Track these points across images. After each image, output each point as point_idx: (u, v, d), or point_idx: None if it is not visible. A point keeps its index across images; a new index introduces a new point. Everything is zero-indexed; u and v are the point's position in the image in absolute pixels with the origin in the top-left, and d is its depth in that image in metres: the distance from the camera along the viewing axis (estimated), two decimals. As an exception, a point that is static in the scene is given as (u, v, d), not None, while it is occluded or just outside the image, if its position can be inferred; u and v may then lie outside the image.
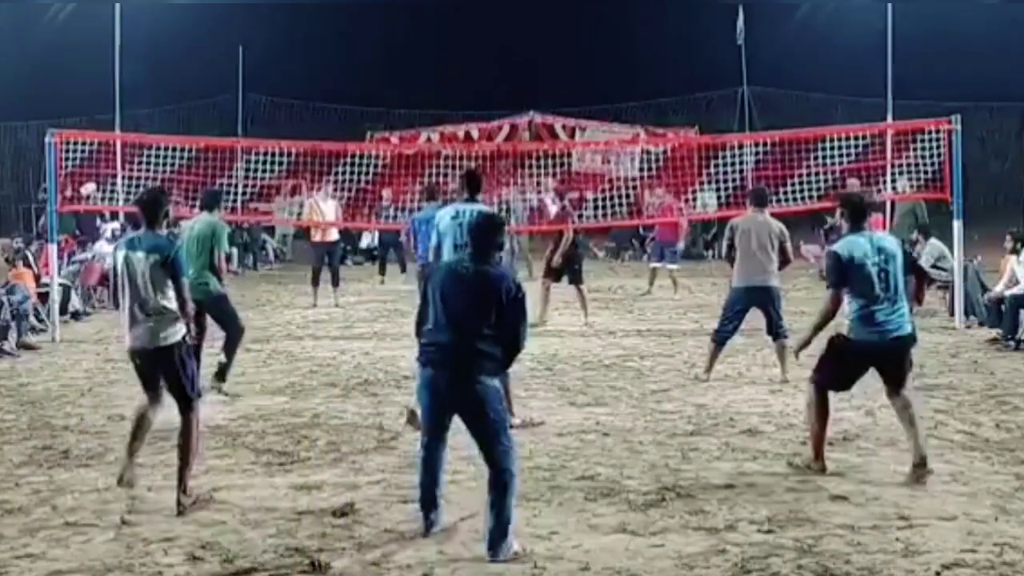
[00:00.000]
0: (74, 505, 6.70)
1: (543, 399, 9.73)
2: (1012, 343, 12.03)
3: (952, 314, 13.90)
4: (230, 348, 10.12)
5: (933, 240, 15.34)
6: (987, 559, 5.59)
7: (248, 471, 7.43)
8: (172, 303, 6.67)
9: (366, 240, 24.62)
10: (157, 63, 27.10)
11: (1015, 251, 12.87)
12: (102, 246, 17.59)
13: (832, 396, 7.26)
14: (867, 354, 7.07)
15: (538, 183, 19.01)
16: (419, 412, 6.45)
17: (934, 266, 15.14)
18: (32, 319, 13.44)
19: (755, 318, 11.01)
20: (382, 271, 20.71)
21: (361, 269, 23.20)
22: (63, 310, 14.45)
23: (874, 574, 5.45)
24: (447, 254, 8.43)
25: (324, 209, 17.06)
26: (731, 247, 10.44)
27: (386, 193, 19.54)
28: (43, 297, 14.15)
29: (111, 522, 6.35)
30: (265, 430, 8.58)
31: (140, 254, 6.66)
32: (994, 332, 12.60)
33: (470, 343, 5.73)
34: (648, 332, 13.81)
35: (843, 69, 27.07)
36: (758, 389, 10.04)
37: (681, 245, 18.70)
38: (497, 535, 5.67)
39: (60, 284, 14.27)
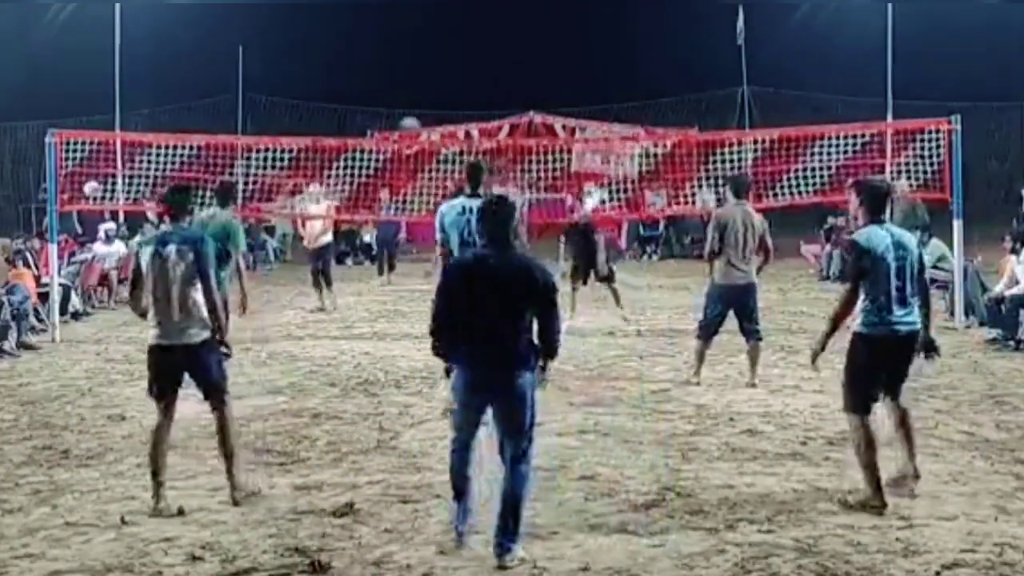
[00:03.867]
0: (74, 505, 6.70)
1: (543, 399, 9.70)
2: (1012, 343, 12.03)
3: (952, 314, 13.90)
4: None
5: (934, 240, 15.34)
6: (987, 559, 5.59)
7: (248, 471, 7.41)
8: (202, 300, 6.59)
9: (366, 237, 24.64)
10: (157, 63, 27.09)
11: (1015, 251, 12.86)
12: (99, 246, 17.61)
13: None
14: (880, 350, 6.65)
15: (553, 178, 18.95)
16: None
17: (934, 266, 15.14)
18: (32, 319, 13.44)
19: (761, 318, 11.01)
20: (381, 271, 20.71)
21: (362, 269, 23.21)
22: (63, 310, 14.45)
23: (874, 574, 5.45)
24: (455, 250, 8.44)
25: (313, 212, 16.87)
26: (721, 242, 9.98)
27: (384, 194, 19.46)
28: (43, 297, 14.15)
29: (111, 522, 6.35)
30: (265, 430, 8.58)
31: (171, 248, 6.59)
32: (994, 332, 12.60)
33: (507, 339, 5.58)
34: (648, 332, 13.81)
35: (843, 69, 27.07)
36: (758, 389, 10.03)
37: (621, 245, 18.32)
38: (507, 542, 5.60)
39: (60, 284, 14.27)
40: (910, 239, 6.83)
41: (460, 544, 5.79)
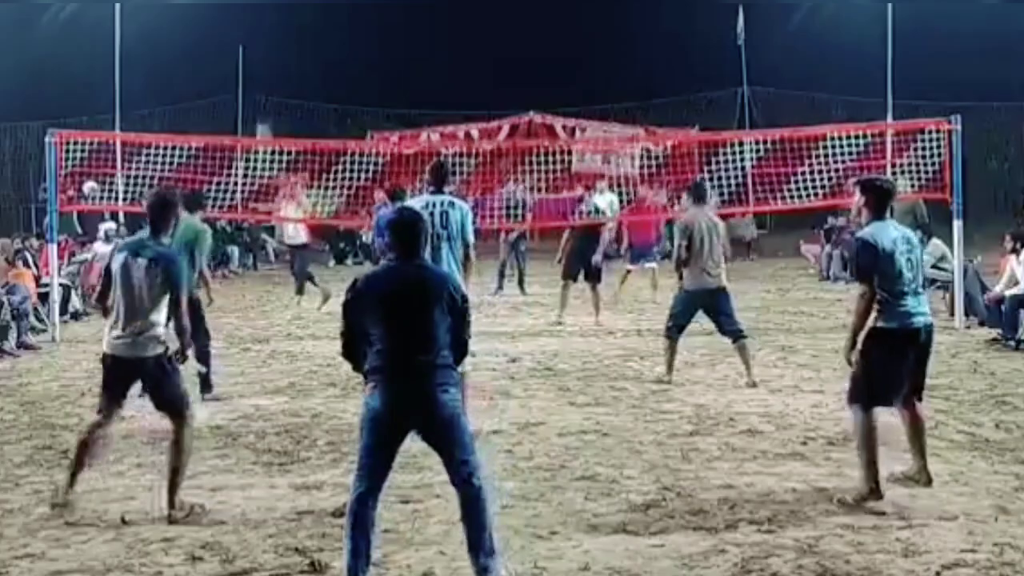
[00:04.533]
0: (74, 505, 6.70)
1: (543, 399, 9.73)
2: (1012, 343, 12.03)
3: (952, 314, 13.90)
4: (203, 357, 9.63)
5: (934, 240, 15.34)
6: (987, 559, 5.59)
7: (248, 471, 7.43)
8: (162, 318, 6.45)
9: (365, 238, 24.65)
10: (157, 63, 27.10)
11: (1015, 251, 12.86)
12: (99, 246, 17.62)
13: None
14: (899, 343, 6.65)
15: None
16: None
17: (934, 266, 15.14)
18: (32, 319, 13.45)
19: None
20: None
21: (362, 269, 23.20)
22: (63, 310, 14.47)
23: (874, 574, 5.45)
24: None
25: (286, 211, 16.84)
26: (688, 249, 10.03)
27: (379, 195, 19.37)
28: (43, 297, 14.16)
29: (111, 522, 6.35)
30: (265, 430, 8.59)
31: (141, 262, 6.43)
32: (994, 332, 12.60)
33: (427, 355, 5.22)
34: (648, 332, 13.80)
35: (843, 69, 27.05)
36: (758, 389, 10.03)
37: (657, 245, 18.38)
38: (485, 559, 5.15)
39: (60, 284, 14.28)
40: (911, 233, 7.01)
41: None
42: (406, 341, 5.26)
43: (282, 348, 12.74)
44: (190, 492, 6.84)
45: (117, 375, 6.57)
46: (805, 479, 7.07)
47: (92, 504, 6.70)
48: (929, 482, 6.82)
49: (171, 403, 6.55)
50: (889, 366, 6.68)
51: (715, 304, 10.21)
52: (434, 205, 8.39)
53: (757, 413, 9.05)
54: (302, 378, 10.92)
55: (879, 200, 6.90)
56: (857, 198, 7.03)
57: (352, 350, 5.44)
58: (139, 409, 6.94)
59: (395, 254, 5.48)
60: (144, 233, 6.72)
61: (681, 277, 10.31)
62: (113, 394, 6.61)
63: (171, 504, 6.39)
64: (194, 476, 7.19)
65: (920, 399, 6.91)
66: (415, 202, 8.76)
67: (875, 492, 6.53)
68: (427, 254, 7.91)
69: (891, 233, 6.75)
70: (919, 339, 6.76)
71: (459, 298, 5.40)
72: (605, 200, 19.86)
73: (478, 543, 5.19)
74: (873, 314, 6.69)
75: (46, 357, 12.32)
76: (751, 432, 8.40)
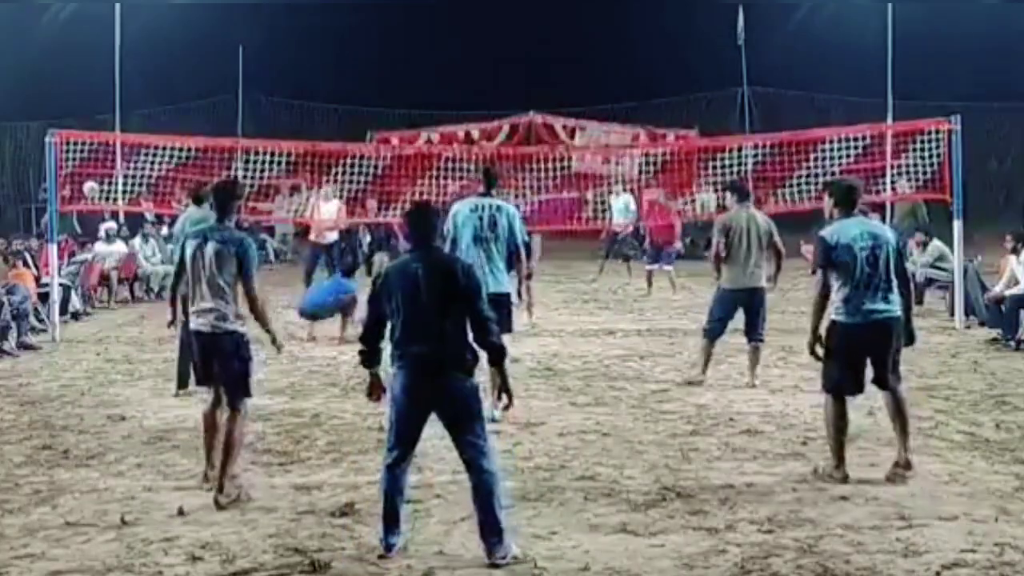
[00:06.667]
0: (74, 505, 6.70)
1: (543, 399, 9.73)
2: (1012, 343, 12.03)
3: (952, 314, 13.89)
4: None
5: (934, 240, 15.35)
6: (987, 559, 5.59)
7: (248, 471, 7.42)
8: (235, 299, 6.68)
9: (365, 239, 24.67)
10: (157, 63, 27.10)
11: (1015, 251, 12.86)
12: (100, 246, 17.63)
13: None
14: (854, 338, 6.95)
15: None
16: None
17: (933, 266, 15.16)
18: (32, 319, 13.44)
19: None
20: (368, 273, 20.83)
21: (362, 269, 23.19)
22: (63, 310, 14.46)
23: (874, 574, 5.45)
24: (466, 248, 8.56)
25: (324, 209, 16.99)
26: (727, 247, 10.02)
27: (372, 203, 19.24)
28: (43, 297, 14.15)
29: (111, 522, 6.35)
30: (265, 430, 8.58)
31: (211, 247, 6.66)
32: (994, 332, 12.60)
33: (439, 341, 5.57)
34: (648, 332, 13.81)
35: (843, 69, 27.05)
36: (758, 389, 10.03)
37: (678, 245, 18.72)
38: (492, 539, 5.58)
39: (60, 284, 14.27)
40: (884, 230, 7.21)
41: (387, 555, 5.66)
42: (417, 326, 5.60)
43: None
44: (191, 492, 6.86)
45: (204, 352, 6.78)
46: (805, 479, 7.07)
47: (92, 504, 6.70)
48: (908, 466, 6.99)
49: (234, 384, 6.68)
50: (850, 358, 7.00)
51: (752, 304, 10.17)
52: (482, 209, 8.74)
53: (757, 413, 9.05)
54: (302, 378, 10.92)
55: (842, 198, 7.15)
56: (826, 201, 7.31)
57: (369, 337, 5.84)
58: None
59: (410, 244, 5.86)
60: (212, 220, 6.96)
61: (719, 276, 10.29)
62: (207, 375, 6.85)
63: (220, 488, 6.53)
64: (194, 476, 7.20)
65: (887, 386, 7.07)
66: (463, 205, 8.93)
67: (839, 470, 6.94)
68: (464, 251, 8.13)
69: (852, 230, 6.97)
70: (878, 333, 6.96)
71: (470, 283, 5.63)
72: (621, 202, 20.08)
73: (484, 524, 5.58)
74: (834, 307, 6.97)
75: (46, 357, 12.32)
76: (751, 432, 8.40)
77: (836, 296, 6.99)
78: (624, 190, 20.06)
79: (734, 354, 11.20)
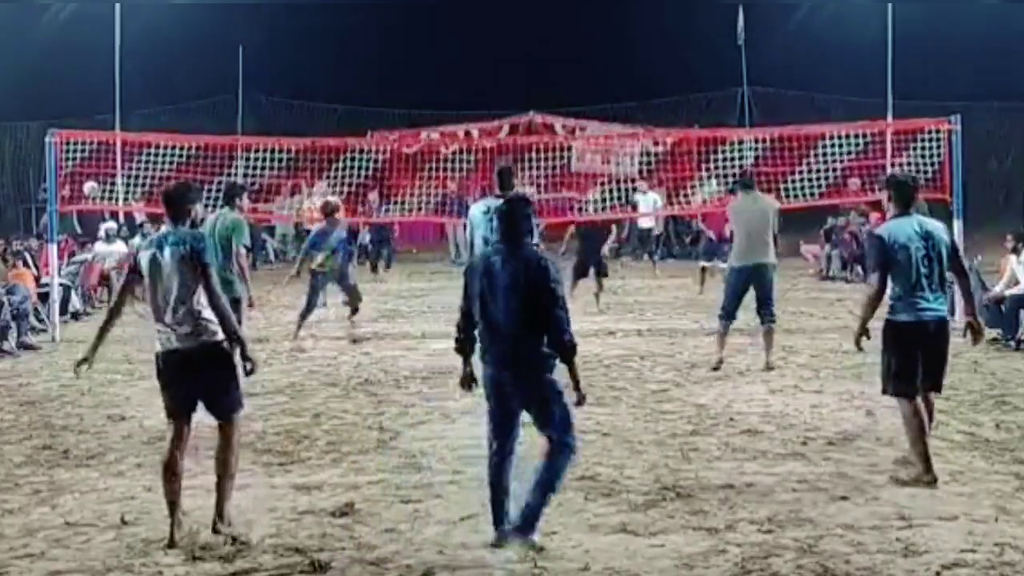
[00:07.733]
0: (74, 505, 6.70)
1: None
2: (1012, 343, 12.02)
3: (952, 314, 13.87)
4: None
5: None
6: (987, 559, 5.59)
7: (248, 471, 7.41)
8: (206, 305, 6.00)
9: (365, 238, 24.68)
10: (157, 63, 27.08)
11: (1015, 251, 12.86)
12: (100, 246, 17.63)
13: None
14: (909, 336, 6.89)
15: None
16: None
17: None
18: (32, 319, 13.45)
19: (753, 317, 11.02)
20: (374, 269, 20.92)
21: (362, 269, 23.19)
22: (63, 310, 14.47)
23: (874, 574, 5.45)
24: (478, 248, 8.65)
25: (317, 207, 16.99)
26: (737, 228, 10.85)
27: (373, 196, 19.43)
28: (43, 297, 14.16)
29: (111, 522, 6.35)
30: (265, 430, 8.58)
31: (167, 252, 6.01)
32: (994, 332, 12.59)
33: (518, 337, 5.65)
34: (648, 332, 13.81)
35: (843, 69, 27.02)
36: (758, 389, 10.03)
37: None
38: (532, 515, 5.69)
39: (60, 284, 14.27)
40: (938, 228, 7.08)
41: (501, 541, 5.78)
42: (497, 318, 5.71)
43: (282, 348, 12.73)
44: (191, 492, 6.84)
45: (178, 373, 6.02)
46: (805, 479, 7.07)
47: (92, 504, 6.70)
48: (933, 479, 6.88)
49: (225, 401, 6.06)
50: (904, 358, 6.91)
51: (761, 280, 10.65)
52: (493, 211, 8.71)
53: (757, 413, 9.05)
54: (302, 378, 10.92)
55: (901, 196, 7.08)
56: (885, 194, 7.46)
57: (460, 326, 5.92)
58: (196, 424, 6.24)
59: (499, 238, 5.98)
60: (165, 228, 6.35)
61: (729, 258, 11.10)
62: (178, 404, 6.04)
63: (219, 515, 6.03)
64: (194, 476, 7.19)
65: (939, 391, 7.11)
66: (477, 207, 9.02)
67: (929, 472, 6.79)
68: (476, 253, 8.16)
69: (907, 229, 6.90)
70: (928, 332, 6.91)
71: (549, 281, 5.69)
72: (649, 200, 20.11)
73: (529, 505, 5.71)
74: (889, 306, 6.94)
75: (46, 357, 12.32)
76: (751, 432, 8.40)
77: (890, 295, 6.95)
78: (647, 188, 20.23)
79: (733, 354, 11.21)
